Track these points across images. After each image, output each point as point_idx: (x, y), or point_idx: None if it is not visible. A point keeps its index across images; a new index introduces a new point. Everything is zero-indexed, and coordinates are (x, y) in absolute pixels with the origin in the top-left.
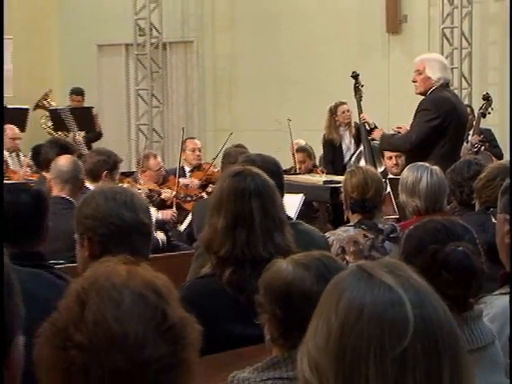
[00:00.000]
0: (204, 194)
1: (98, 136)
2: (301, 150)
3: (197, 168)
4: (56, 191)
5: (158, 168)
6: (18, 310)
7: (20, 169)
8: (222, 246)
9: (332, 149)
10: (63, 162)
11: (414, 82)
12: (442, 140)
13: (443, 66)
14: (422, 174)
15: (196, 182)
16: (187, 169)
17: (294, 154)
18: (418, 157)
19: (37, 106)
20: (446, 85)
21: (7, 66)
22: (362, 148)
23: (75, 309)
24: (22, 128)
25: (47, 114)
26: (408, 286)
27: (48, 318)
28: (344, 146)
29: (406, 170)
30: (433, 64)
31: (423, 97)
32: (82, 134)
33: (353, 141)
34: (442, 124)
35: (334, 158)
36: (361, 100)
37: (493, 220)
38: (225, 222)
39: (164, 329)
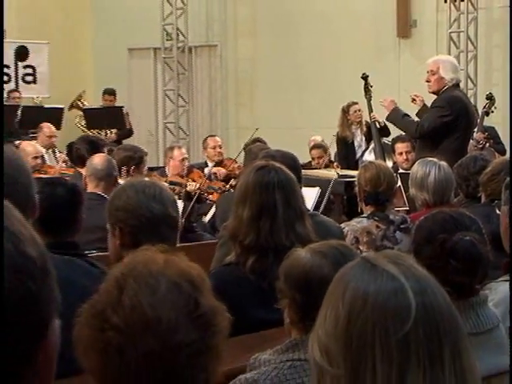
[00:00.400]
0: (227, 187)
1: (129, 133)
2: (317, 146)
3: (218, 164)
4: (91, 188)
5: (181, 158)
6: (54, 295)
7: (56, 164)
8: (247, 236)
9: (345, 146)
10: (98, 160)
11: (427, 81)
12: (453, 136)
13: (455, 67)
14: (431, 169)
15: (223, 170)
16: (210, 165)
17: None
18: (428, 151)
19: (71, 107)
20: (457, 85)
21: (43, 68)
22: (372, 145)
23: (114, 293)
24: (58, 126)
25: (81, 113)
26: (410, 275)
27: (88, 301)
28: (356, 143)
29: (415, 164)
30: (446, 65)
31: (432, 96)
32: (114, 131)
33: (364, 138)
34: (454, 121)
35: (347, 154)
36: (371, 100)
37: (497, 212)
38: (250, 212)
39: (195, 316)
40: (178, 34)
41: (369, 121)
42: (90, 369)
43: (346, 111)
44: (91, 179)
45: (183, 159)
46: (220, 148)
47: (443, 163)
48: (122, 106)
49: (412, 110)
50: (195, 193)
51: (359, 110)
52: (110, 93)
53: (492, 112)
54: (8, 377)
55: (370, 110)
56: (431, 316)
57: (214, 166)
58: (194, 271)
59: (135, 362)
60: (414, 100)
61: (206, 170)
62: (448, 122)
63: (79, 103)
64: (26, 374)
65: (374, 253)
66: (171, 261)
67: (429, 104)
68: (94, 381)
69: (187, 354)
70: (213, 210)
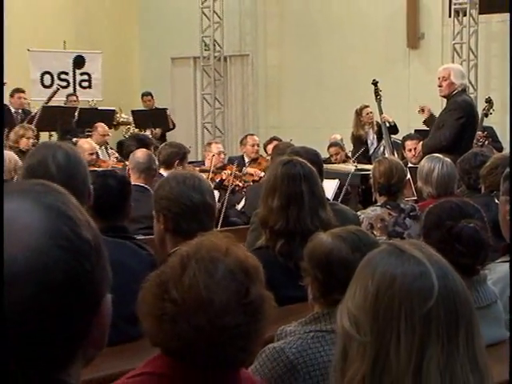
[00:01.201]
0: (257, 179)
1: (172, 128)
2: (334, 144)
3: (254, 160)
4: (133, 179)
5: (218, 151)
6: (106, 273)
7: (108, 159)
8: (277, 222)
9: (359, 143)
10: (139, 154)
11: (439, 86)
12: (466, 135)
13: (463, 74)
14: (435, 165)
15: (258, 172)
16: (246, 160)
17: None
18: (451, 150)
19: (117, 125)
20: (464, 90)
21: (97, 75)
22: (383, 142)
23: (177, 270)
24: (110, 126)
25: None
26: (433, 261)
27: (156, 271)
28: (369, 141)
29: (423, 160)
30: (456, 72)
31: (438, 100)
32: (158, 130)
33: (375, 136)
34: (466, 122)
35: (362, 151)
36: (380, 102)
37: (496, 201)
38: (279, 202)
39: (245, 302)
40: (214, 45)
41: (379, 121)
42: (146, 330)
43: (359, 113)
44: (134, 171)
45: (220, 153)
46: (257, 146)
47: (447, 160)
48: (166, 108)
49: (420, 118)
50: (229, 184)
51: (370, 112)
52: (147, 94)
53: (491, 114)
54: (67, 345)
55: (380, 112)
56: (451, 298)
57: (250, 162)
58: (250, 262)
59: (184, 334)
60: (422, 111)
61: (246, 166)
62: (463, 123)
63: (119, 118)
64: (83, 342)
65: (400, 240)
66: (232, 250)
67: (435, 112)
68: (149, 341)
69: (232, 334)
70: (244, 199)
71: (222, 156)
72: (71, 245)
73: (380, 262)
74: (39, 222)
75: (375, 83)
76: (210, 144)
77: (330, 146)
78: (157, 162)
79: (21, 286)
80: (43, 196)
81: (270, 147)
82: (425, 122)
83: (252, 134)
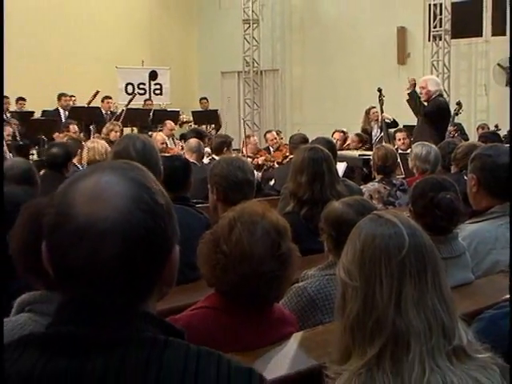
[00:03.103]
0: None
1: (219, 128)
2: (337, 131)
3: (277, 149)
4: (188, 157)
5: (255, 143)
6: (175, 229)
7: (174, 147)
8: (305, 193)
9: (366, 134)
10: (192, 141)
11: (420, 93)
12: (440, 127)
13: (437, 82)
14: (430, 149)
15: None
16: (271, 149)
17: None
18: (425, 138)
19: (182, 123)
20: (440, 94)
21: (167, 85)
22: (382, 134)
23: (226, 229)
24: (176, 122)
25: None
26: (405, 223)
27: (210, 230)
28: (373, 133)
29: (418, 146)
30: (432, 82)
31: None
32: (212, 126)
33: (379, 130)
34: (440, 118)
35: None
36: (382, 105)
37: (465, 178)
38: (306, 178)
39: (277, 254)
40: (253, 62)
41: (380, 119)
42: (203, 274)
43: (367, 113)
44: (188, 153)
45: (256, 144)
46: (275, 139)
47: (434, 146)
48: (217, 110)
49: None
50: (263, 164)
51: (376, 112)
52: (204, 99)
53: (460, 113)
54: (146, 283)
55: (381, 112)
56: (419, 249)
57: (275, 150)
58: (281, 223)
59: (232, 278)
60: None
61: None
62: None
63: (183, 117)
64: (158, 282)
65: (381, 210)
66: (267, 214)
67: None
68: (206, 283)
69: (267, 278)
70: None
71: (258, 146)
72: (149, 208)
73: (364, 227)
74: (125, 191)
75: (379, 90)
76: (249, 136)
77: (334, 132)
78: (203, 147)
79: (111, 238)
80: (128, 171)
81: (268, 136)
82: (408, 101)
83: (270, 131)
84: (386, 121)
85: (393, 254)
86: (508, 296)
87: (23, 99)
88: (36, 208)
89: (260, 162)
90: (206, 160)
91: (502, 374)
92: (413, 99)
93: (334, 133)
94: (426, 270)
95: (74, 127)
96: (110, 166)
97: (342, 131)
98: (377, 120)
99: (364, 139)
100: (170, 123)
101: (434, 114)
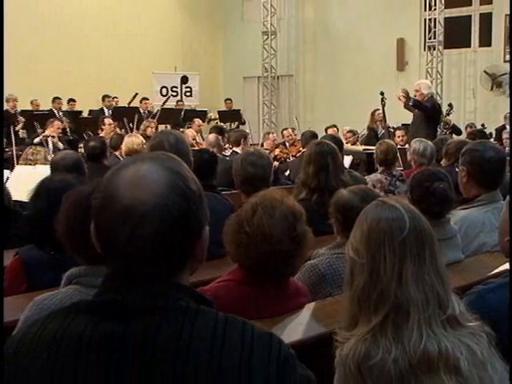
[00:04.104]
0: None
1: (241, 125)
2: (348, 131)
3: (292, 144)
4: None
5: (273, 139)
6: (205, 212)
7: (203, 141)
8: (312, 182)
9: (372, 132)
10: (210, 136)
11: (415, 95)
12: (432, 126)
13: (429, 86)
14: (426, 145)
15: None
16: (287, 144)
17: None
18: (420, 134)
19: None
20: (431, 96)
21: (196, 88)
22: (384, 131)
23: (249, 212)
24: (203, 120)
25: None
26: (406, 208)
27: (235, 213)
28: (378, 131)
29: (416, 142)
30: (424, 85)
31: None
32: (236, 123)
33: (382, 129)
34: (435, 113)
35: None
36: (384, 106)
37: (456, 170)
38: (313, 169)
39: (293, 235)
40: (271, 69)
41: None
42: (228, 251)
43: (373, 114)
44: (208, 147)
45: (274, 139)
46: (291, 135)
47: (430, 142)
48: (239, 110)
49: (406, 112)
50: (280, 157)
51: (380, 113)
52: (228, 99)
53: (451, 113)
54: (180, 258)
55: (384, 112)
56: (418, 230)
57: (290, 145)
58: (296, 208)
59: (253, 256)
60: (399, 98)
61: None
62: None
63: (210, 116)
64: (190, 257)
65: (390, 196)
66: (285, 200)
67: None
68: (231, 260)
69: (285, 256)
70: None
71: (276, 142)
72: (183, 193)
73: (370, 211)
74: (162, 178)
75: (382, 93)
76: (268, 133)
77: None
78: (221, 141)
79: (150, 219)
80: (165, 161)
81: (285, 132)
82: (405, 107)
83: (286, 129)
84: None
85: (395, 235)
86: (494, 272)
87: (73, 100)
88: (78, 195)
89: (276, 154)
90: (227, 152)
91: (488, 340)
92: (409, 107)
93: (327, 129)
94: (424, 248)
95: (108, 120)
96: (149, 156)
97: (293, 128)
98: (381, 121)
99: (355, 134)
100: (198, 121)
101: (430, 109)
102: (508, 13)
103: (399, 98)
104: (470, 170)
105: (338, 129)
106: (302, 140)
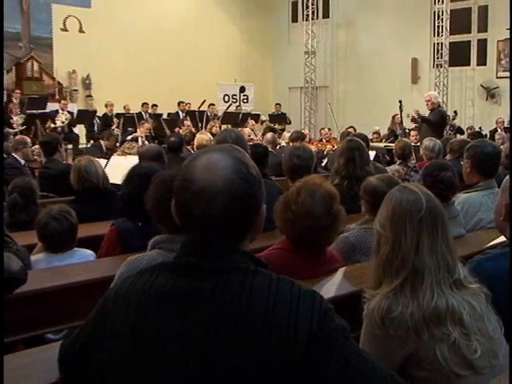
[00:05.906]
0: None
1: (289, 124)
2: (374, 132)
3: (327, 140)
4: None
5: (309, 138)
6: (262, 193)
7: (256, 138)
8: (343, 171)
9: (392, 132)
10: (268, 135)
11: (427, 105)
12: (439, 129)
13: (437, 96)
14: (435, 143)
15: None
16: (324, 140)
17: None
18: (428, 135)
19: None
20: (439, 105)
21: (251, 96)
22: (401, 132)
23: (294, 194)
24: (257, 121)
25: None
26: (423, 192)
27: (282, 195)
28: (397, 132)
29: (428, 141)
30: (434, 96)
31: (426, 111)
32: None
33: (400, 130)
34: (442, 122)
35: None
36: (402, 111)
37: (461, 163)
38: (344, 161)
39: (330, 212)
40: (311, 81)
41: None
42: (278, 226)
43: (393, 117)
44: (265, 143)
45: (310, 139)
46: (327, 134)
47: (438, 140)
48: (285, 113)
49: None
50: (317, 150)
51: (399, 118)
52: (278, 104)
53: (455, 119)
54: (244, 229)
55: (401, 117)
56: (432, 211)
57: (326, 142)
58: (332, 190)
59: (298, 229)
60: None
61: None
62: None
63: (262, 118)
64: (250, 229)
65: (408, 183)
66: (323, 184)
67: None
68: (280, 232)
69: (323, 229)
70: (326, 159)
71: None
72: (246, 177)
73: (394, 194)
74: (229, 165)
75: (400, 101)
76: (322, 129)
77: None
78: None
79: (220, 197)
80: (231, 152)
81: (322, 131)
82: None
83: (323, 128)
84: (406, 130)
85: (414, 214)
86: (490, 244)
87: (156, 105)
88: (162, 178)
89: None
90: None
91: (485, 299)
92: (415, 120)
93: (346, 129)
94: (437, 225)
95: (187, 122)
96: (218, 148)
97: (329, 128)
98: (399, 123)
99: (379, 134)
100: (251, 122)
101: (438, 121)
102: (500, 39)
103: (410, 115)
104: (472, 161)
105: (354, 129)
106: (340, 136)
